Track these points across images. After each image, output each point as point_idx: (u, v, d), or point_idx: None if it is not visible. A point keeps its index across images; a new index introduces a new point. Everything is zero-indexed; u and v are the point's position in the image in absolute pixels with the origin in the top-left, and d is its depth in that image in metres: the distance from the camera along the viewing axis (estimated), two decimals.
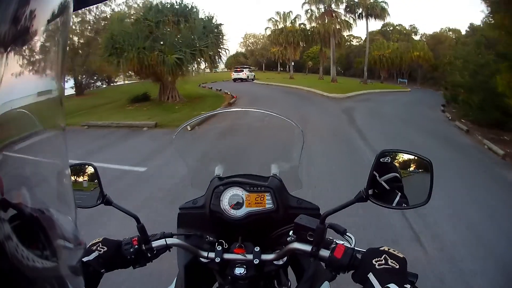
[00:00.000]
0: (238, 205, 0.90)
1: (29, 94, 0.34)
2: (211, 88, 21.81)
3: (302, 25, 33.63)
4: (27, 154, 0.35)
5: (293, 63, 42.43)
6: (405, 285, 0.60)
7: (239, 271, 0.84)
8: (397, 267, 0.66)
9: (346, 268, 0.73)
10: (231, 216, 0.89)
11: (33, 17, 0.32)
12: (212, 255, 0.86)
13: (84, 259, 0.77)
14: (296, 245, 0.78)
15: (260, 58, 48.66)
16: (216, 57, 14.79)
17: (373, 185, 0.72)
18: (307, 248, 0.76)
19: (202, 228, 0.93)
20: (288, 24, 33.88)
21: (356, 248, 0.75)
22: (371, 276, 0.64)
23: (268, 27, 35.36)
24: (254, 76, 33.29)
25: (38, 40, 0.34)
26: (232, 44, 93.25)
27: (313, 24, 31.27)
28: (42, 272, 0.34)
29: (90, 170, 0.89)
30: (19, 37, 0.31)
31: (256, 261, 0.83)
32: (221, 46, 14.92)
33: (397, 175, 0.73)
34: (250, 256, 0.84)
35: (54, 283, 0.36)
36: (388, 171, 0.73)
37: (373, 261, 0.67)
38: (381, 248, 0.70)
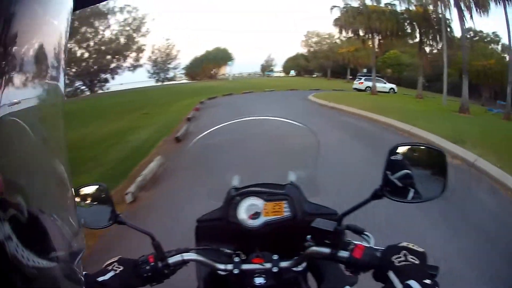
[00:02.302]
0: (256, 215, 0.89)
1: (30, 94, 0.34)
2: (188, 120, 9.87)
3: (389, 6, 18.69)
4: (27, 154, 0.35)
5: (365, 70, 29.79)
6: (424, 280, 0.60)
7: (258, 281, 0.83)
8: (417, 262, 0.66)
9: (366, 268, 0.72)
10: (249, 226, 0.89)
11: (33, 17, 0.32)
12: (230, 267, 0.84)
13: (100, 279, 0.76)
14: (315, 249, 0.78)
15: (325, 62, 36.00)
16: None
17: (387, 183, 0.73)
18: (326, 251, 0.76)
19: (220, 240, 0.92)
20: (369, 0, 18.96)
21: (374, 247, 0.75)
22: (391, 274, 0.64)
23: (335, 6, 21.55)
24: (394, 89, 22.68)
25: (39, 40, 0.34)
26: (293, 44, 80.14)
27: (407, 5, 17.73)
28: (42, 272, 0.34)
29: (100, 190, 0.89)
30: (19, 37, 0.31)
31: (275, 269, 0.83)
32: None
33: (409, 172, 0.74)
34: (268, 265, 0.83)
35: (54, 283, 0.36)
36: (400, 168, 0.74)
37: (392, 259, 0.67)
38: (400, 245, 0.70)
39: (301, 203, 0.93)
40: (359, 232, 0.83)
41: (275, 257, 0.84)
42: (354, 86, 23.14)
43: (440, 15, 16.38)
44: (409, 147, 0.76)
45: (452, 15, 16.06)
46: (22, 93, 0.33)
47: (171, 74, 32.69)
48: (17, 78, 0.31)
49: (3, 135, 0.30)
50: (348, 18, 19.36)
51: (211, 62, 36.38)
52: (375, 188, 0.73)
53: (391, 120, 9.08)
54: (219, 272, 0.85)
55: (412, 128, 7.97)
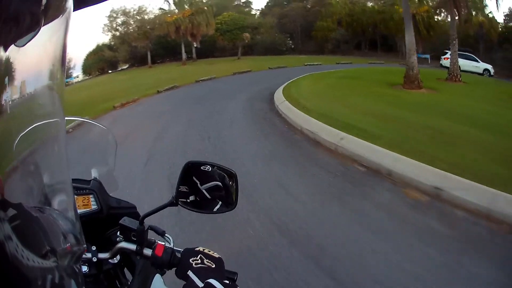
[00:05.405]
0: None
1: (30, 94, 0.34)
2: None
3: None
4: (27, 154, 0.35)
5: (195, 45, 24.66)
6: (224, 281, 0.63)
7: (83, 268, 0.89)
8: (213, 266, 0.71)
9: (168, 266, 0.81)
10: None
11: (33, 16, 0.32)
12: None
13: None
14: (123, 244, 0.86)
15: (143, 43, 28.20)
16: None
17: (194, 192, 0.84)
18: (133, 247, 0.85)
19: None
20: None
21: (174, 248, 0.83)
22: (190, 273, 0.69)
23: None
24: (490, 71, 17.42)
25: (39, 40, 0.34)
26: (89, 34, 61.54)
27: None
28: (42, 272, 0.34)
29: None
30: (19, 37, 0.31)
31: (95, 259, 0.90)
32: None
33: (219, 183, 0.84)
34: (89, 255, 0.90)
35: (54, 283, 0.36)
36: (209, 179, 0.84)
37: (190, 260, 0.72)
38: (197, 249, 0.77)
39: (105, 197, 1.00)
40: (160, 233, 0.91)
41: (94, 248, 0.91)
42: (441, 62, 18.43)
43: None
44: (204, 166, 0.84)
45: None
46: (21, 92, 0.32)
47: None
48: (17, 77, 0.31)
49: (2, 134, 0.30)
50: None
51: None
52: (172, 196, 0.82)
53: None
54: None
55: None
